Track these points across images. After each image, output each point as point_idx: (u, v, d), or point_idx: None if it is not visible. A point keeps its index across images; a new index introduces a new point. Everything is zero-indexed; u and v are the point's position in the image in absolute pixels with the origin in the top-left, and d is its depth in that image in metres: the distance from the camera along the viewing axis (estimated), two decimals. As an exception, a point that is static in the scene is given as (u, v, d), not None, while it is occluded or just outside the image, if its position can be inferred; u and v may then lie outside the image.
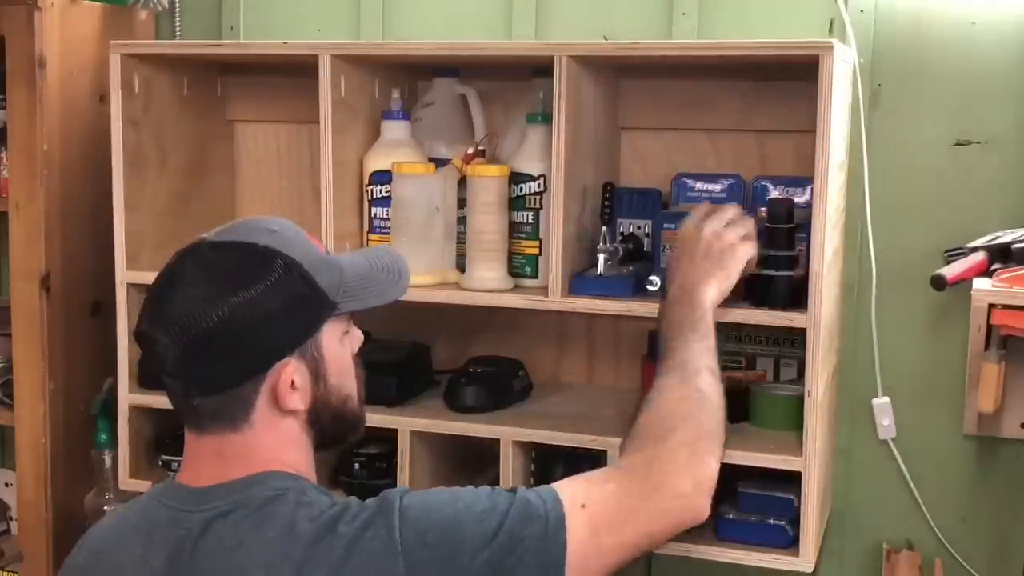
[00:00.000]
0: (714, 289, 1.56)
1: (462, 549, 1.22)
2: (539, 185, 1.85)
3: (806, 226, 1.68)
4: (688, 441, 1.38)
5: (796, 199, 1.90)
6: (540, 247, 1.86)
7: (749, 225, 1.64)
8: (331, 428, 1.37)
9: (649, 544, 1.34)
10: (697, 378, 1.47)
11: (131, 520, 1.35)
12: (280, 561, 1.21)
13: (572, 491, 1.30)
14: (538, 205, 1.85)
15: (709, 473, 1.38)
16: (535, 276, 1.87)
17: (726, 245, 1.60)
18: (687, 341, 1.51)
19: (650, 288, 1.76)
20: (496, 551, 1.22)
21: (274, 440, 1.31)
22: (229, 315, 1.24)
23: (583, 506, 1.28)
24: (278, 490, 1.27)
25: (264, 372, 1.28)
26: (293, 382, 1.29)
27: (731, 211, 1.66)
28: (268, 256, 1.28)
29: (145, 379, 2.00)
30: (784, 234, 1.72)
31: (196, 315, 1.25)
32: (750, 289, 1.72)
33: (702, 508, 1.36)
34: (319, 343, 1.32)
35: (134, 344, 2.00)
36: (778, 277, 1.70)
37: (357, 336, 1.42)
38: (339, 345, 1.36)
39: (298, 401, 1.30)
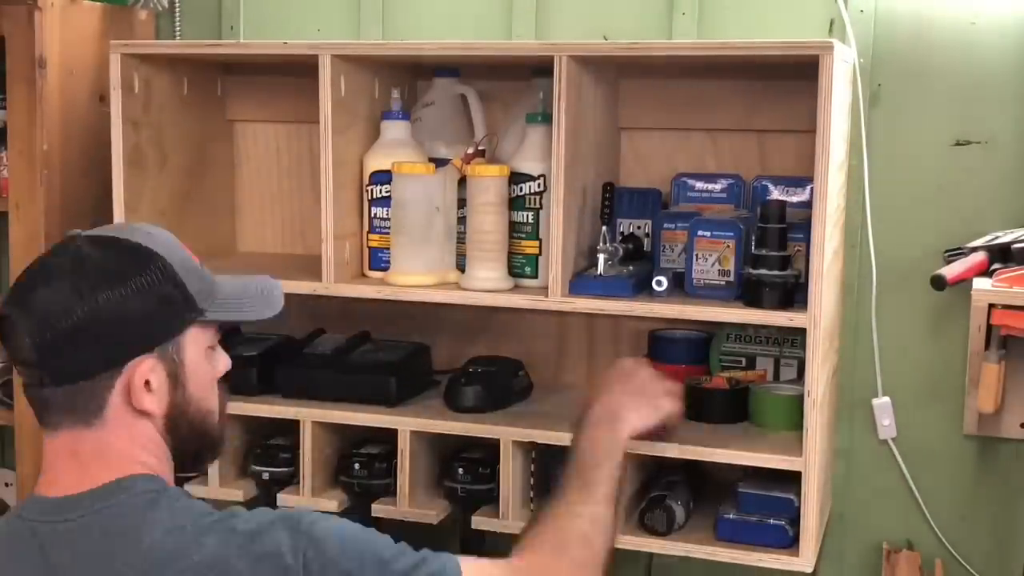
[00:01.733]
0: (635, 424, 1.61)
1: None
2: (539, 185, 1.84)
3: (806, 226, 1.68)
4: (580, 564, 1.44)
5: (796, 199, 1.90)
6: (540, 247, 1.86)
7: (677, 389, 1.71)
8: (189, 440, 1.33)
9: None
10: (602, 506, 1.51)
11: None
12: (173, 560, 1.19)
13: (474, 571, 1.34)
14: (538, 205, 1.85)
15: None
16: (535, 276, 1.87)
17: (660, 390, 1.67)
18: (600, 465, 1.55)
19: (657, 288, 1.76)
20: None
21: (129, 440, 1.28)
22: (94, 310, 1.23)
23: None
24: (151, 492, 1.25)
25: (119, 367, 1.26)
26: (148, 382, 1.27)
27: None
28: (144, 255, 1.28)
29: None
30: (776, 234, 1.72)
31: (61, 308, 1.23)
32: (746, 290, 1.73)
33: None
34: (180, 347, 1.29)
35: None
36: (771, 277, 1.70)
37: (223, 360, 1.39)
38: (202, 357, 1.33)
39: (153, 403, 1.28)
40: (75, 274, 1.26)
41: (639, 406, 1.63)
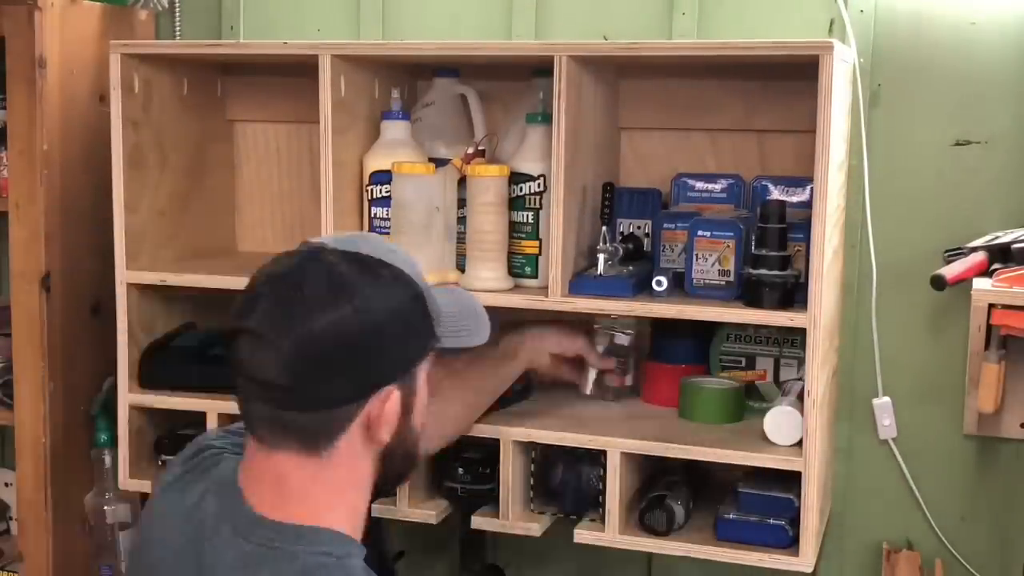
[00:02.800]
0: (533, 353, 1.78)
1: None
2: (539, 185, 1.84)
3: (806, 226, 1.68)
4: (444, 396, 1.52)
5: (796, 199, 1.90)
6: (540, 247, 1.86)
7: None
8: (396, 469, 1.28)
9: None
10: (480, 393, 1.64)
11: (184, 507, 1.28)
12: None
13: None
14: (538, 205, 1.85)
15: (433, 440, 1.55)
16: (535, 276, 1.87)
17: (578, 345, 1.82)
18: (481, 376, 1.70)
19: (657, 288, 1.76)
20: None
21: (347, 478, 1.22)
22: (360, 333, 1.17)
23: None
24: (323, 555, 1.18)
25: (367, 396, 1.19)
26: (389, 412, 1.21)
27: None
28: (398, 277, 1.22)
29: (149, 379, 2.00)
30: (776, 234, 1.72)
31: (329, 329, 1.15)
32: (746, 290, 1.73)
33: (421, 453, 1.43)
34: (417, 375, 1.25)
35: (134, 344, 2.01)
36: (771, 277, 1.70)
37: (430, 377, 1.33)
38: (425, 382, 1.28)
39: (388, 432, 1.22)
40: (337, 293, 1.18)
41: (545, 340, 1.80)
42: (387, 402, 1.20)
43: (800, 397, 1.71)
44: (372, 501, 1.31)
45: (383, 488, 1.31)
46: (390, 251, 1.25)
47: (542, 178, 1.84)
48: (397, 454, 1.26)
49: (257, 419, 1.22)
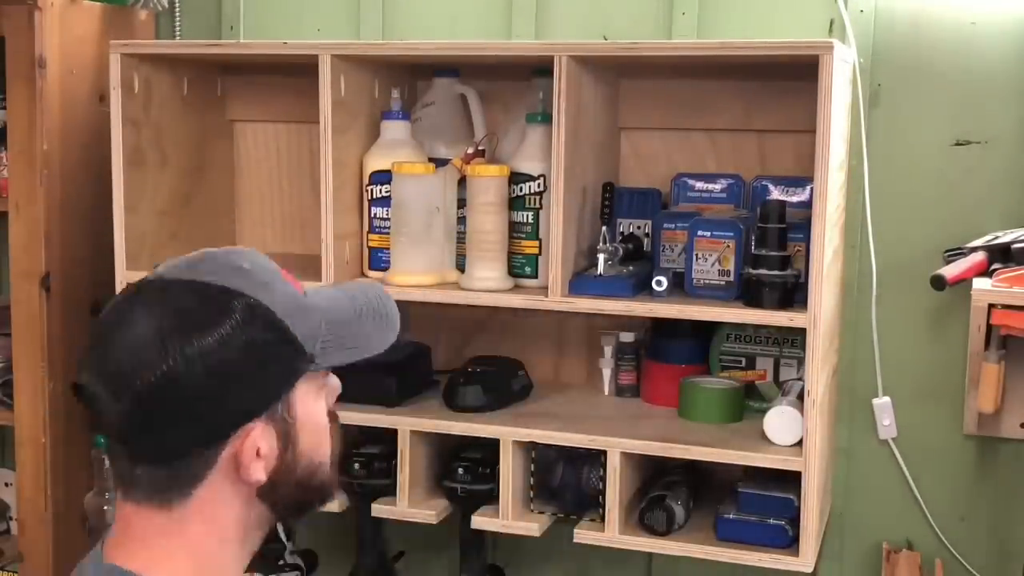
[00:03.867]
0: None
1: None
2: (539, 185, 1.85)
3: (806, 226, 1.68)
4: None
5: (796, 199, 1.90)
6: (540, 247, 1.86)
7: None
8: (289, 501, 1.14)
9: None
10: None
11: None
12: None
13: None
14: (538, 205, 1.85)
15: None
16: (535, 276, 1.87)
17: None
18: None
19: (657, 288, 1.76)
20: None
21: (201, 527, 1.09)
22: (182, 368, 1.03)
23: None
24: None
25: (224, 440, 1.07)
26: (259, 450, 1.07)
27: None
28: (234, 299, 1.06)
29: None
30: (776, 234, 1.72)
31: (140, 364, 1.03)
32: (746, 290, 1.73)
33: None
34: (291, 402, 1.10)
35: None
36: (771, 277, 1.70)
37: (335, 386, 1.19)
38: (315, 402, 1.14)
39: (261, 472, 1.08)
40: (152, 325, 1.05)
41: None
42: (247, 440, 1.07)
43: (800, 397, 1.72)
44: (281, 526, 1.22)
45: (286, 521, 1.24)
46: (238, 271, 1.10)
47: (542, 178, 1.84)
48: (283, 488, 1.12)
49: (115, 469, 1.12)
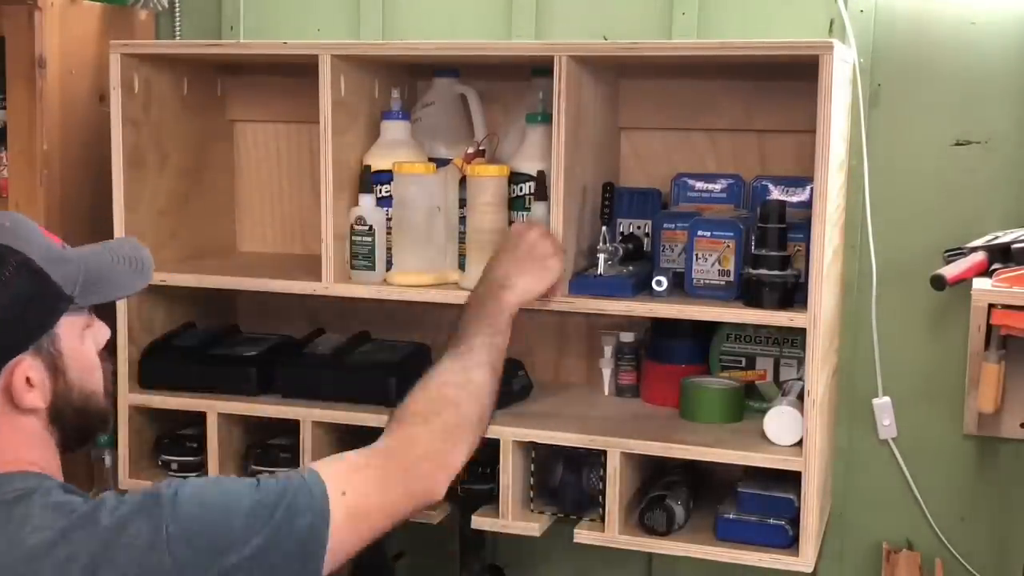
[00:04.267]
0: (523, 291, 1.65)
1: (231, 545, 1.21)
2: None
3: (806, 226, 1.68)
4: (448, 429, 1.46)
5: (796, 199, 1.90)
6: (540, 247, 1.85)
7: (561, 246, 1.73)
8: (74, 426, 1.34)
9: (392, 524, 1.38)
10: (476, 371, 1.54)
11: None
12: (36, 558, 1.18)
13: (336, 477, 1.32)
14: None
15: (457, 461, 1.46)
16: (535, 276, 1.86)
17: (548, 251, 1.70)
18: (479, 334, 1.58)
19: (657, 288, 1.76)
20: (263, 548, 1.22)
21: (13, 440, 1.28)
22: None
23: (344, 493, 1.31)
24: (20, 491, 1.23)
25: None
26: (29, 379, 1.26)
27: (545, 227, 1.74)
28: (1, 254, 1.24)
29: (149, 379, 2.00)
30: (776, 234, 1.72)
31: None
32: (746, 290, 1.73)
33: (439, 492, 1.43)
34: (56, 339, 1.28)
35: (134, 344, 2.01)
36: (771, 277, 1.70)
37: (102, 331, 1.37)
38: (79, 340, 1.32)
39: (37, 399, 1.27)
40: None
41: (526, 271, 1.66)
42: (15, 372, 1.25)
43: (800, 397, 1.72)
44: (73, 452, 1.39)
45: (72, 446, 1.37)
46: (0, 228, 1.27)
47: (541, 176, 1.83)
48: (67, 413, 1.31)
49: None
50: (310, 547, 1.26)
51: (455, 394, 1.50)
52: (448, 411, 1.47)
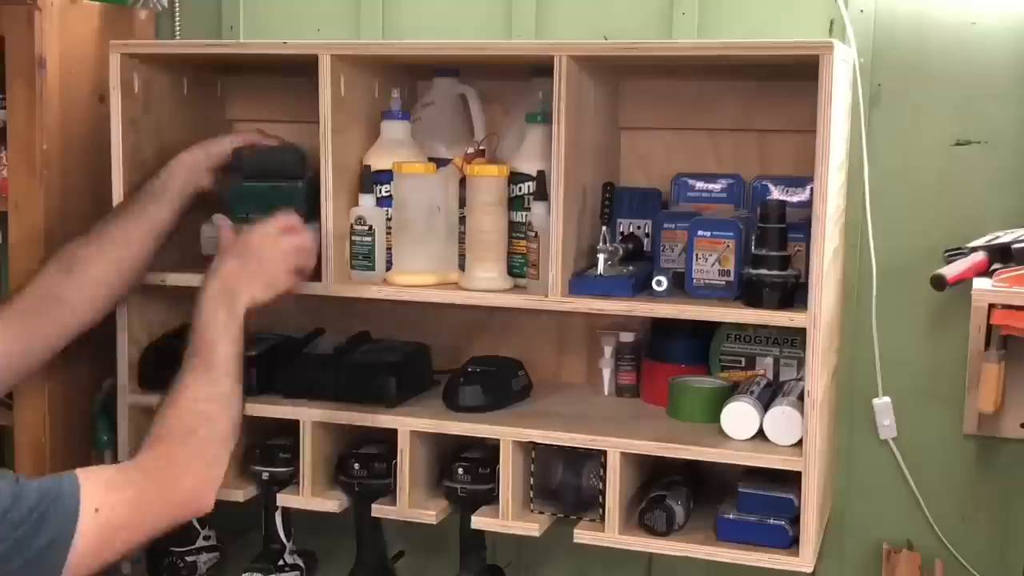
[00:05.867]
0: (250, 300, 1.67)
1: None
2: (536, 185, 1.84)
3: (806, 226, 1.68)
4: (205, 445, 1.52)
5: (796, 199, 1.90)
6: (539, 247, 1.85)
7: (307, 236, 1.76)
8: None
9: (150, 537, 1.46)
10: (224, 382, 1.58)
11: None
12: None
13: (92, 493, 1.37)
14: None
15: (219, 473, 1.53)
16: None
17: (278, 253, 1.71)
18: (219, 342, 1.61)
19: (657, 288, 1.76)
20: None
21: None
22: None
23: (97, 511, 1.36)
24: None
25: None
26: None
27: (292, 219, 1.74)
28: None
29: (149, 380, 2.00)
30: (776, 234, 1.73)
31: None
32: (746, 290, 1.73)
33: (208, 504, 1.51)
34: None
35: (134, 344, 2.01)
36: (771, 277, 1.70)
37: None
38: None
39: None
40: None
41: (254, 280, 1.67)
42: None
43: (800, 397, 1.72)
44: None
45: None
46: None
47: (540, 175, 1.83)
48: None
49: None
50: (47, 563, 1.31)
51: (207, 408, 1.55)
52: (204, 427, 1.53)
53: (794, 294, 1.71)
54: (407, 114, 1.98)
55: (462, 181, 1.90)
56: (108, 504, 1.38)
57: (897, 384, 2.02)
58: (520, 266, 1.87)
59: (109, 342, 2.02)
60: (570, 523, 1.84)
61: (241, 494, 2.00)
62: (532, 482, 1.87)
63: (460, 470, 1.89)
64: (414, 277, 1.88)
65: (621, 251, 1.85)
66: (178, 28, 2.31)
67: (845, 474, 2.07)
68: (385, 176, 1.91)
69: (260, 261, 1.69)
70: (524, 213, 1.86)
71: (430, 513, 1.90)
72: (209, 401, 1.56)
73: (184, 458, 1.50)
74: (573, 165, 1.78)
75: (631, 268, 1.83)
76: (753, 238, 1.76)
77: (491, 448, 1.86)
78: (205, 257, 1.89)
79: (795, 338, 1.89)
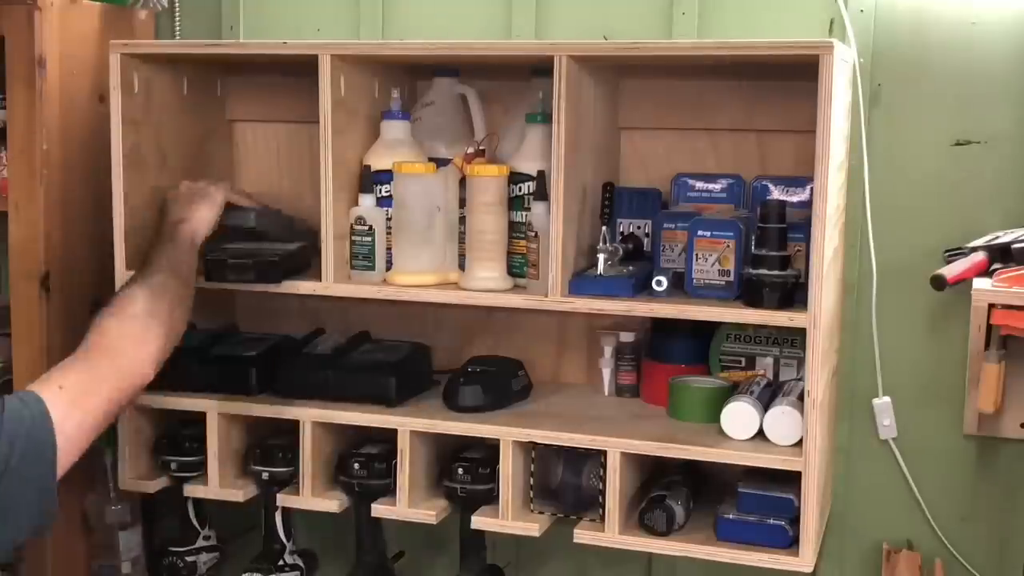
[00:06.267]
0: (199, 220, 1.88)
1: None
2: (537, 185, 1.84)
3: (806, 226, 1.68)
4: (138, 313, 1.68)
5: (796, 199, 1.90)
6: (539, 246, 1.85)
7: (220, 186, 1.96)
8: None
9: (115, 407, 1.61)
10: (157, 276, 1.75)
11: None
12: None
13: (46, 381, 1.53)
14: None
15: (154, 337, 1.68)
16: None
17: (200, 189, 1.93)
18: (161, 256, 1.80)
19: (657, 288, 1.76)
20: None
21: None
22: None
23: (60, 388, 1.52)
24: None
25: None
26: None
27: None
28: None
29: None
30: (776, 234, 1.72)
31: None
32: (746, 290, 1.73)
33: (149, 368, 1.66)
34: None
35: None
36: (771, 277, 1.70)
37: None
38: None
39: None
40: None
41: (195, 205, 1.89)
42: None
43: (800, 397, 1.72)
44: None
45: None
46: None
47: (540, 175, 1.83)
48: None
49: None
50: (38, 447, 1.44)
51: (138, 292, 1.71)
52: (134, 304, 1.68)
53: (794, 294, 1.71)
54: (407, 114, 1.98)
55: (462, 181, 1.90)
56: (67, 379, 1.54)
57: (897, 384, 2.02)
58: (520, 266, 1.87)
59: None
60: (570, 523, 1.84)
61: (241, 494, 2.00)
62: (532, 482, 1.87)
63: (460, 470, 1.89)
64: (414, 277, 1.88)
65: (621, 251, 1.85)
66: (178, 28, 2.31)
67: (845, 474, 2.07)
68: (385, 176, 1.91)
69: (191, 198, 1.91)
70: (524, 213, 1.86)
71: (430, 513, 1.90)
72: (141, 287, 1.71)
73: (116, 326, 1.65)
74: (573, 165, 1.78)
75: (631, 268, 1.83)
76: (753, 238, 1.76)
77: (491, 448, 1.86)
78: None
79: (795, 338, 1.89)
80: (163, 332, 1.69)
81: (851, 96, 1.91)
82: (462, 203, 1.91)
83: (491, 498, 1.87)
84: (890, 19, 1.97)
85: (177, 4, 2.30)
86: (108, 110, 1.97)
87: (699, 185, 1.98)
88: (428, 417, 1.89)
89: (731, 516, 1.78)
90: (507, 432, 1.83)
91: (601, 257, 1.80)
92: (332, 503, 1.95)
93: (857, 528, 2.08)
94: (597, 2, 2.11)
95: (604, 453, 1.77)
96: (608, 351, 2.01)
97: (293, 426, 1.93)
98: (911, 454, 2.04)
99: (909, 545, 2.05)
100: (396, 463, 1.89)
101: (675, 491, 1.83)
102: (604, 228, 1.82)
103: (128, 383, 1.63)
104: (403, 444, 1.87)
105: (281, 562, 2.06)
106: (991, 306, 1.73)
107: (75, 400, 1.53)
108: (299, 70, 1.93)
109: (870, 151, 1.97)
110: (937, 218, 1.98)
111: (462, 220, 1.91)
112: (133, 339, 1.66)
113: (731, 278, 1.76)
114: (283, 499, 1.98)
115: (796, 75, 1.73)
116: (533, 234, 1.81)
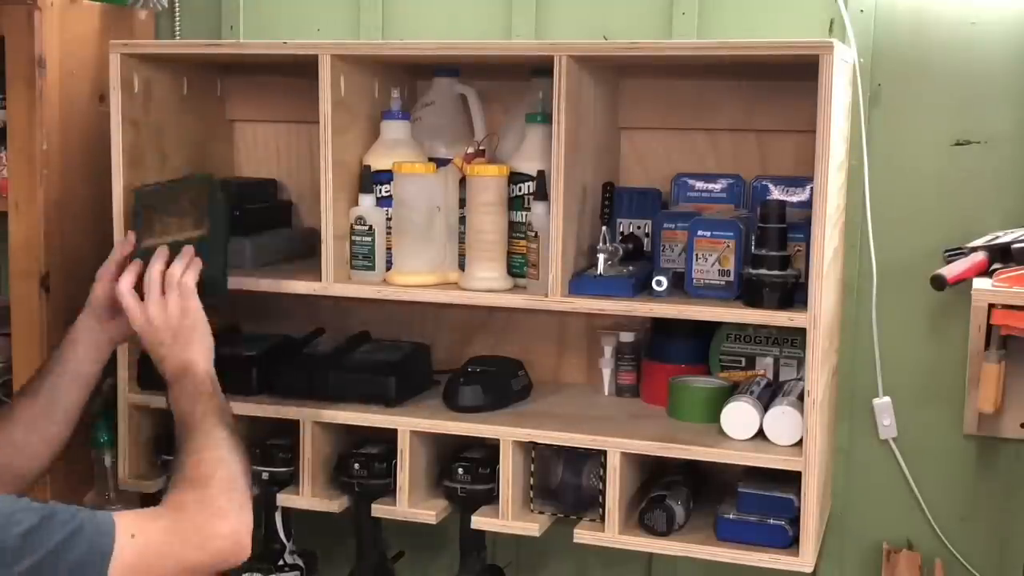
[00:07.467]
0: (203, 357, 1.68)
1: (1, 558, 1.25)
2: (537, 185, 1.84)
3: (806, 226, 1.68)
4: (229, 487, 1.49)
5: (796, 199, 1.90)
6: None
7: (180, 259, 1.71)
8: None
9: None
10: (213, 434, 1.56)
11: None
12: None
13: (127, 521, 1.37)
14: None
15: (250, 519, 1.49)
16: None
17: (184, 314, 1.68)
18: (194, 410, 1.60)
19: (657, 288, 1.76)
20: (33, 568, 1.27)
21: None
22: None
23: (133, 536, 1.36)
24: None
25: None
26: None
27: (154, 267, 1.70)
28: None
29: (149, 379, 2.00)
30: (776, 234, 1.72)
31: None
32: (746, 290, 1.73)
33: (246, 548, 1.47)
34: None
35: (134, 344, 2.00)
36: (771, 277, 1.70)
37: None
38: None
39: None
40: None
41: (191, 348, 1.67)
42: None
43: (800, 397, 1.72)
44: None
45: None
46: None
47: (540, 176, 1.83)
48: None
49: None
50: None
51: (219, 455, 1.53)
52: (221, 470, 1.50)
53: (794, 294, 1.71)
54: (407, 114, 1.98)
55: (462, 181, 1.90)
56: (145, 531, 1.38)
57: (897, 384, 2.02)
58: (520, 266, 1.87)
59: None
60: (570, 523, 1.84)
61: (241, 494, 2.00)
62: (532, 482, 1.87)
63: (460, 470, 1.89)
64: (414, 277, 1.88)
65: (621, 251, 1.85)
66: (178, 28, 2.31)
67: (845, 474, 2.06)
68: (385, 176, 1.91)
69: (181, 332, 1.68)
70: (524, 213, 1.86)
71: (430, 513, 1.90)
72: (215, 449, 1.54)
73: (212, 499, 1.47)
74: (573, 165, 1.78)
75: (631, 268, 1.83)
76: (753, 238, 1.76)
77: (491, 448, 1.86)
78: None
79: (795, 338, 1.89)
80: (249, 501, 1.53)
81: (851, 96, 1.91)
82: (462, 203, 1.91)
83: (491, 498, 1.87)
84: (890, 19, 1.97)
85: (177, 4, 2.30)
86: (108, 110, 1.97)
87: (699, 185, 1.98)
88: (428, 417, 1.89)
89: (731, 516, 1.78)
90: (507, 432, 1.83)
91: (601, 257, 1.80)
92: (332, 503, 1.95)
93: (857, 528, 2.08)
94: (597, 2, 2.11)
95: (604, 453, 1.77)
96: (608, 351, 2.01)
97: (293, 426, 1.93)
98: (911, 454, 2.04)
99: (909, 545, 2.05)
100: (396, 463, 1.89)
101: (675, 491, 1.83)
102: (604, 228, 1.82)
103: (218, 558, 1.46)
104: (403, 444, 1.87)
105: (281, 562, 2.06)
106: (991, 306, 1.73)
107: (143, 557, 1.38)
108: (299, 70, 1.93)
109: (870, 151, 1.97)
110: (937, 218, 1.98)
111: (462, 220, 1.91)
112: (232, 520, 1.47)
113: (731, 278, 1.76)
114: (283, 499, 1.98)
115: (796, 75, 1.73)
116: (533, 234, 1.81)
